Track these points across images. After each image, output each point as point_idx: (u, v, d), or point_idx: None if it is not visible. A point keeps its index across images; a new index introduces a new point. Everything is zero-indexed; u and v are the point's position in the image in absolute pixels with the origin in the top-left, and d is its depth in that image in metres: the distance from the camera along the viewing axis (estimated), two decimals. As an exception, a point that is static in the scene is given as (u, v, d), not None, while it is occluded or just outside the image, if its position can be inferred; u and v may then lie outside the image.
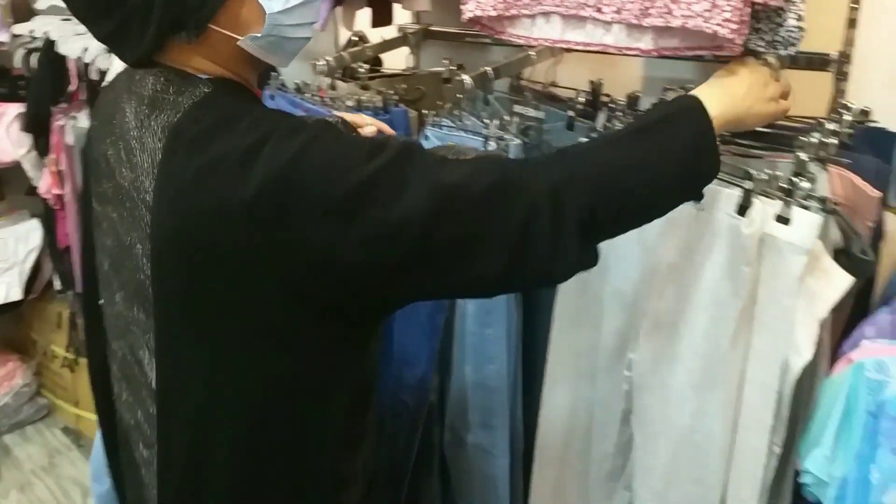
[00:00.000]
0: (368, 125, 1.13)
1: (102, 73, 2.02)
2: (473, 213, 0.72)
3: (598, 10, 0.99)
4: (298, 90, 1.67)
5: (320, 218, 0.70)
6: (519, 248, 0.73)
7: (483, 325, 1.27)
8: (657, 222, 1.02)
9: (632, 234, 1.07)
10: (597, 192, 0.75)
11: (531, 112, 1.23)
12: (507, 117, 1.24)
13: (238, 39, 0.79)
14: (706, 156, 0.80)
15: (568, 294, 1.19)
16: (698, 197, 0.90)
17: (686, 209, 0.97)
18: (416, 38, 1.82)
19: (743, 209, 0.92)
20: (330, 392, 0.83)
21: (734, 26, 0.85)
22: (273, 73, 1.69)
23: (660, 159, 0.78)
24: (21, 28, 2.36)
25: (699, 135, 0.80)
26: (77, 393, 2.71)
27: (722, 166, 0.98)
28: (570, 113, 1.21)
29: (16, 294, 2.33)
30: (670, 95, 1.20)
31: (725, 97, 0.85)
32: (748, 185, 0.91)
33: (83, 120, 2.23)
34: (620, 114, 1.11)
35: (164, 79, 0.80)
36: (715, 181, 0.95)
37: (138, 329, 0.84)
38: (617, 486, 1.16)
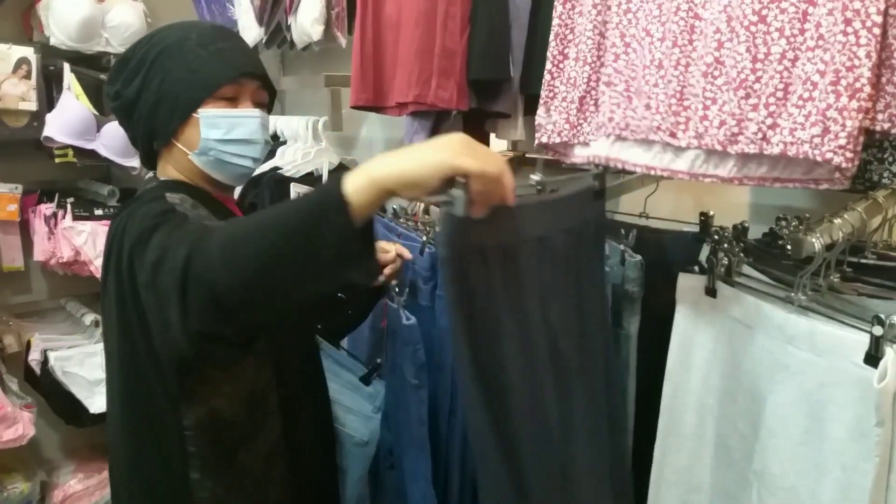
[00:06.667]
0: (389, 251, 1.32)
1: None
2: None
3: (672, 136, 0.93)
4: (395, 215, 1.68)
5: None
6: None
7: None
8: (767, 366, 0.91)
9: (740, 379, 0.96)
10: (219, 267, 0.77)
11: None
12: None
13: (188, 154, 1.09)
14: (331, 217, 0.73)
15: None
16: (347, 278, 0.77)
17: (801, 355, 0.86)
18: (512, 166, 1.81)
19: (872, 359, 0.80)
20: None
21: (850, 154, 0.77)
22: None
23: (277, 223, 0.76)
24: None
25: (323, 197, 0.74)
26: None
27: (846, 307, 0.87)
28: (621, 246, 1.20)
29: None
30: (783, 224, 1.11)
31: (394, 158, 0.73)
32: (878, 331, 0.79)
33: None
34: (727, 245, 1.02)
35: (149, 184, 1.13)
36: (838, 325, 0.84)
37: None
38: None
